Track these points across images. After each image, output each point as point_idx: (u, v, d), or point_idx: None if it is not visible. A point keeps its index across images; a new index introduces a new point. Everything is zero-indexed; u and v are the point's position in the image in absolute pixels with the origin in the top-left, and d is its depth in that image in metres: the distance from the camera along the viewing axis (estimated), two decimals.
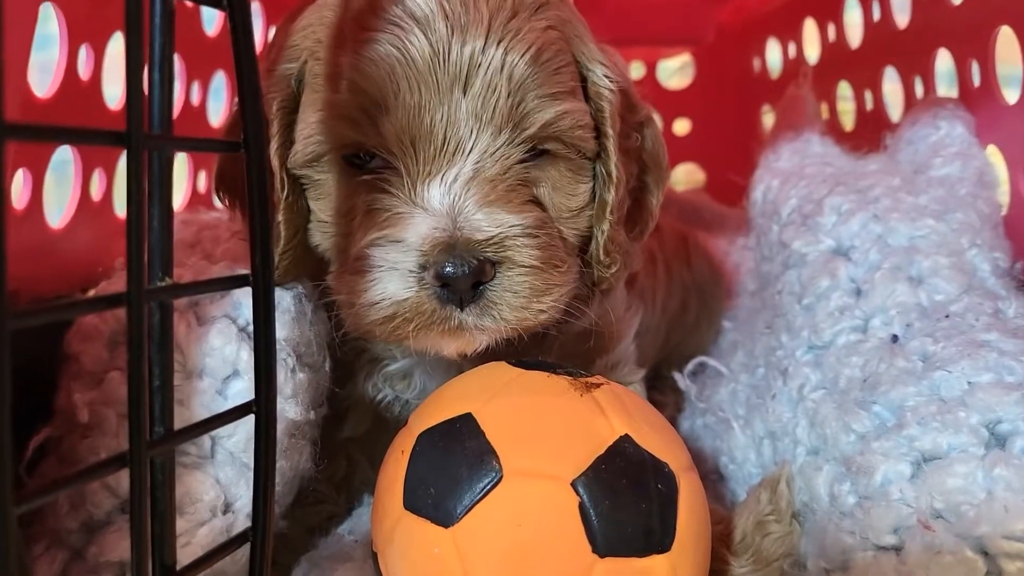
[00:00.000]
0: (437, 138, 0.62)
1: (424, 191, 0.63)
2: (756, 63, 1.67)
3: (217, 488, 0.62)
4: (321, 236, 0.69)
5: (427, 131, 0.62)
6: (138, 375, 0.41)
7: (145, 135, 0.41)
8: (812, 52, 1.42)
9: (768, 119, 1.65)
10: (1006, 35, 0.85)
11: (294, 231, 0.69)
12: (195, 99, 1.08)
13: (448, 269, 0.60)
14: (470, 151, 0.63)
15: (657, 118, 1.74)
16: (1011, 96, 0.86)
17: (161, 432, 0.46)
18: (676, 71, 1.85)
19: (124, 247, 0.45)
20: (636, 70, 1.76)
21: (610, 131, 0.68)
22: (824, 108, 1.33)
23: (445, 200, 0.62)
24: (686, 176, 1.86)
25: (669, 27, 1.42)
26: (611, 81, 0.69)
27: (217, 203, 1.13)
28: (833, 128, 1.28)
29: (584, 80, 0.69)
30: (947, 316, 0.71)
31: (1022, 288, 0.78)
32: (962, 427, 0.62)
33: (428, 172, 0.63)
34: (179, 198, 1.10)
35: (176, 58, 0.48)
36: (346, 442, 0.81)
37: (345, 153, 0.66)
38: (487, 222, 0.62)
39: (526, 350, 0.76)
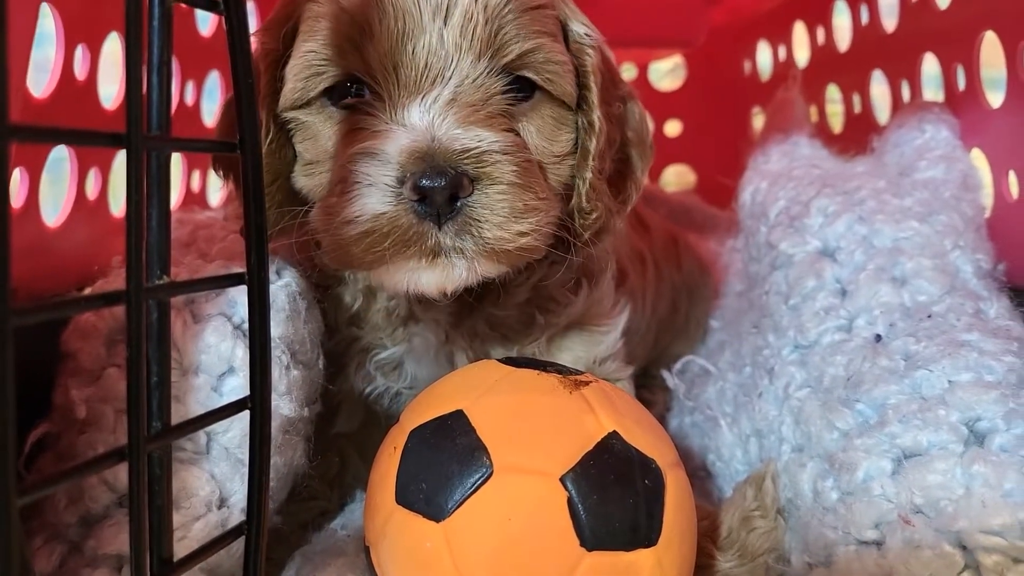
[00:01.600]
0: (419, 64, 0.64)
1: (404, 112, 0.64)
2: (747, 65, 1.68)
3: (212, 483, 0.63)
4: (306, 178, 0.71)
5: (409, 58, 0.64)
6: (137, 371, 0.42)
7: (144, 136, 0.42)
8: (802, 55, 1.43)
9: (758, 121, 1.67)
10: (990, 40, 0.87)
11: (273, 177, 0.70)
12: (190, 99, 1.09)
13: (425, 180, 0.60)
14: (450, 77, 0.65)
15: (648, 120, 1.77)
16: (995, 100, 0.87)
17: (159, 427, 0.47)
18: (667, 73, 1.87)
19: (120, 245, 0.46)
20: (628, 71, 1.78)
21: (592, 84, 0.70)
22: (813, 111, 1.35)
23: (424, 118, 0.64)
24: (677, 178, 1.88)
25: (661, 29, 1.43)
26: (591, 38, 0.71)
27: (212, 202, 1.15)
28: (822, 130, 1.30)
29: (566, 36, 0.71)
30: (929, 316, 0.73)
31: (1004, 289, 0.79)
32: (942, 425, 0.63)
33: (409, 95, 0.65)
34: (174, 197, 1.10)
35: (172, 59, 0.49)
36: (338, 438, 0.82)
37: (333, 86, 0.68)
38: (466, 136, 0.62)
39: (515, 336, 0.77)
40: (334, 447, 0.82)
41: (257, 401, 0.55)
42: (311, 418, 0.72)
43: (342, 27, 0.65)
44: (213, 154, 0.76)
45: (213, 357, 0.64)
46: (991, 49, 0.88)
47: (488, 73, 0.66)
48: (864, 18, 1.17)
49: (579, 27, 0.72)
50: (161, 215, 0.46)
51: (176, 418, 0.50)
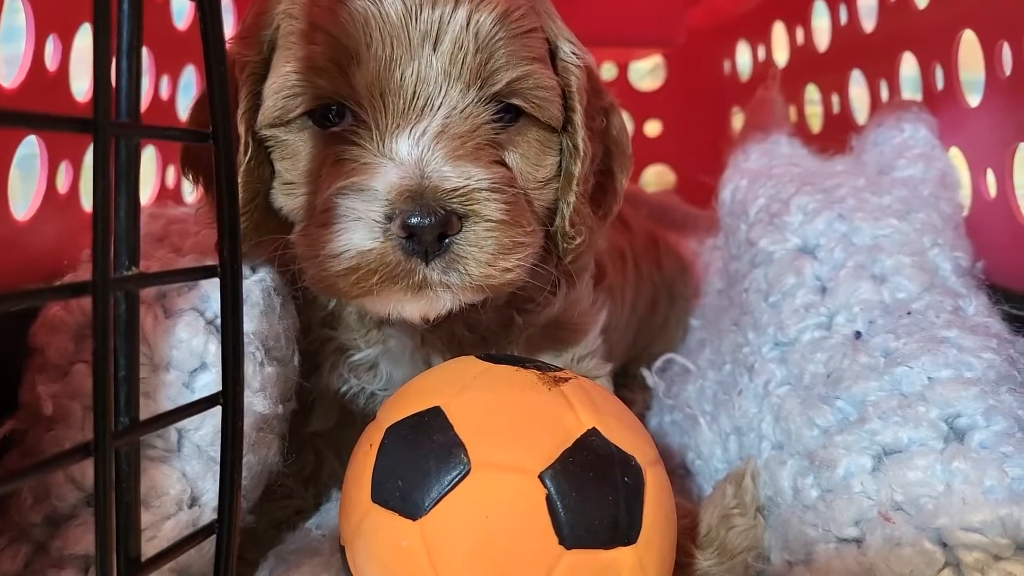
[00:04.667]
0: (407, 92, 0.63)
1: (392, 143, 0.63)
2: (726, 65, 1.69)
3: (183, 482, 0.62)
4: (286, 197, 0.69)
5: (397, 85, 0.63)
6: (103, 365, 0.41)
7: (112, 123, 0.41)
8: (781, 55, 1.44)
9: (738, 121, 1.67)
10: (969, 40, 0.87)
11: (251, 195, 0.69)
12: (164, 93, 1.08)
13: (414, 219, 0.60)
14: (439, 107, 0.63)
15: (628, 120, 1.77)
16: (973, 100, 0.88)
17: (127, 423, 0.45)
18: (648, 73, 1.87)
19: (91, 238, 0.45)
20: (608, 71, 1.77)
21: (577, 105, 0.69)
22: (792, 111, 1.35)
23: (413, 152, 0.62)
24: (657, 177, 1.88)
25: (640, 28, 1.43)
26: (578, 58, 0.70)
27: (186, 198, 1.13)
28: (801, 130, 1.30)
29: (553, 56, 0.70)
30: (909, 313, 0.73)
31: (982, 287, 0.79)
32: (922, 421, 0.63)
33: (397, 125, 0.63)
34: (148, 192, 1.09)
35: (145, 51, 0.48)
36: (313, 436, 0.81)
37: (315, 108, 0.66)
38: (455, 174, 0.62)
39: (494, 340, 0.76)
40: (309, 445, 0.81)
41: (229, 397, 0.54)
42: (285, 416, 0.71)
43: (325, 49, 0.63)
44: (182, 156, 0.74)
45: (184, 353, 0.63)
46: (968, 49, 0.88)
47: (477, 102, 0.64)
48: (843, 18, 1.18)
49: (567, 46, 0.70)
50: (130, 205, 0.45)
51: (146, 415, 0.48)
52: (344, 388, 0.79)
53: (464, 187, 0.61)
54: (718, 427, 0.85)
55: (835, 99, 1.23)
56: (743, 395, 0.81)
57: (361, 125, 0.64)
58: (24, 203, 0.79)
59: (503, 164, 0.67)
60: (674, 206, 1.65)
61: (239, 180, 0.66)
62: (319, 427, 0.80)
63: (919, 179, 0.87)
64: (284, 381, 0.70)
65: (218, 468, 0.62)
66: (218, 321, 0.65)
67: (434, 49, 0.62)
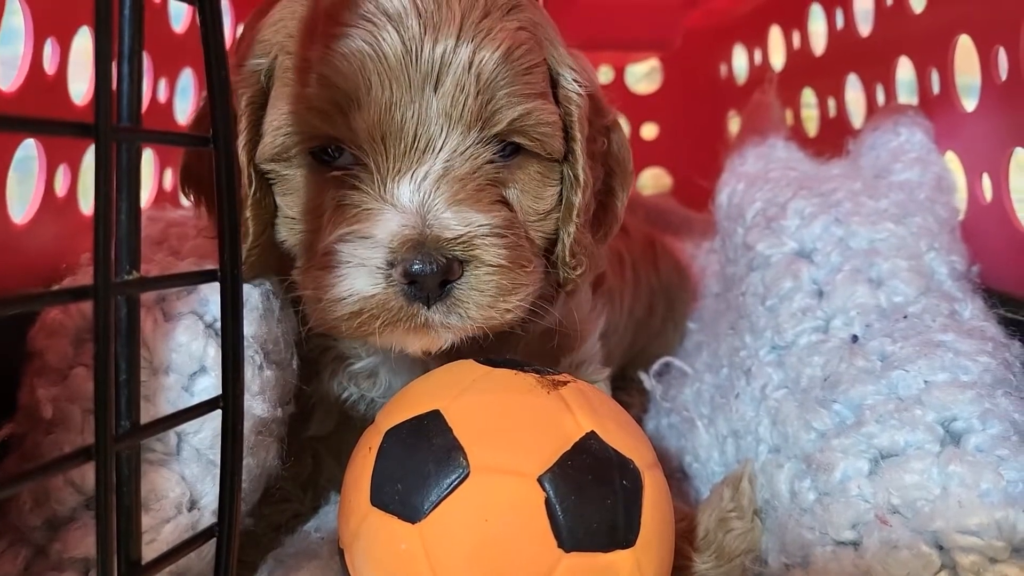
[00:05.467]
0: (408, 135, 0.63)
1: (394, 188, 0.63)
2: (723, 69, 1.69)
3: (183, 485, 0.62)
4: (288, 232, 0.69)
5: (398, 128, 0.62)
6: (104, 369, 0.41)
7: (113, 127, 0.41)
8: (777, 59, 1.44)
9: (734, 124, 1.67)
10: (965, 44, 0.87)
11: (262, 227, 0.69)
12: (162, 96, 1.08)
13: (416, 267, 0.60)
14: (440, 149, 0.63)
15: (625, 122, 1.77)
16: (969, 104, 0.88)
17: (127, 426, 0.45)
18: (644, 76, 1.87)
19: (89, 243, 0.45)
20: (604, 74, 1.78)
21: (578, 135, 0.69)
22: (789, 114, 1.36)
23: (415, 198, 0.63)
24: (653, 180, 1.88)
25: (637, 32, 1.43)
26: (580, 86, 0.70)
27: (184, 201, 1.13)
28: (797, 134, 1.31)
29: (554, 84, 0.69)
30: (905, 317, 0.73)
31: (978, 291, 0.80)
32: (918, 425, 0.63)
33: (398, 169, 0.63)
34: (145, 195, 1.09)
35: (144, 55, 0.48)
36: (312, 440, 0.81)
37: (314, 147, 0.66)
38: (456, 221, 0.62)
39: (492, 348, 0.76)
40: (308, 449, 0.81)
41: (229, 400, 0.54)
42: (284, 419, 0.71)
43: (323, 91, 0.63)
44: (182, 174, 0.74)
45: (184, 356, 0.63)
46: (964, 54, 0.89)
47: (478, 143, 0.64)
48: (839, 22, 1.18)
49: (568, 74, 0.70)
50: (131, 209, 0.45)
51: (146, 418, 0.48)
52: (344, 395, 0.79)
53: (465, 234, 0.62)
54: (715, 430, 0.85)
55: (831, 103, 1.24)
56: (740, 398, 0.81)
57: (361, 167, 0.65)
58: (22, 206, 0.79)
59: (504, 202, 0.67)
60: (671, 209, 1.65)
61: (248, 213, 0.67)
62: (318, 431, 0.81)
63: (915, 183, 0.88)
64: (283, 385, 0.70)
65: (217, 471, 0.62)
66: (217, 325, 0.66)
67: (435, 90, 0.62)
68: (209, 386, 0.63)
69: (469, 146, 0.64)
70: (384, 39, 0.61)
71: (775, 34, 1.44)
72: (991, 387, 0.65)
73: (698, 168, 1.45)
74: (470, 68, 0.62)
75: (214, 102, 0.51)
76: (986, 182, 0.85)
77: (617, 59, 1.77)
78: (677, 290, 1.17)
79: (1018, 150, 0.80)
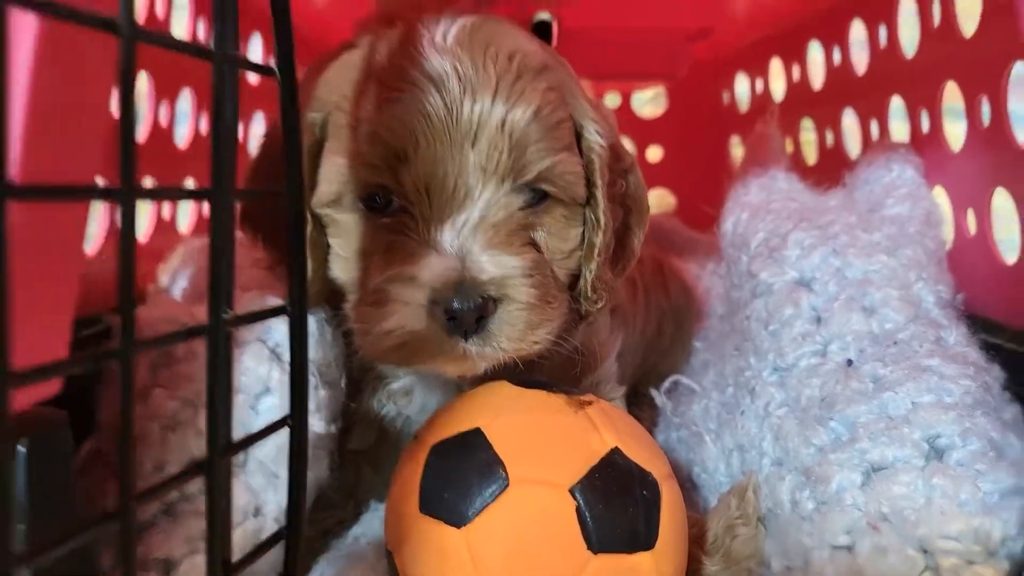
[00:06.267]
0: (449, 187, 0.70)
1: (437, 234, 0.70)
2: (726, 96, 1.77)
3: (249, 494, 0.69)
4: (340, 270, 0.77)
5: (440, 181, 0.70)
6: (216, 396, 0.48)
7: (225, 189, 0.49)
8: (778, 88, 1.52)
9: (736, 148, 1.75)
10: (951, 89, 0.95)
11: (317, 265, 0.76)
12: (163, 120, 1.13)
13: (456, 305, 0.68)
14: (477, 199, 0.71)
15: (631, 144, 1.84)
16: (955, 145, 0.95)
17: (224, 444, 0.53)
18: (649, 100, 1.95)
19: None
20: (611, 100, 1.86)
21: (599, 181, 0.77)
22: (789, 142, 1.43)
23: (455, 243, 0.70)
24: (658, 200, 1.96)
25: (645, 64, 1.52)
26: (602, 137, 0.77)
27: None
28: (797, 161, 1.38)
29: (578, 135, 0.77)
30: (895, 343, 0.80)
31: (962, 317, 0.87)
32: (906, 442, 0.70)
33: (440, 217, 0.71)
34: (186, 221, 1.16)
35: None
36: (353, 453, 0.89)
37: (364, 195, 0.73)
38: (491, 264, 0.69)
39: (520, 370, 0.84)
40: (350, 461, 0.88)
41: (296, 420, 0.62)
42: (335, 434, 0.78)
43: (375, 148, 0.70)
44: (242, 215, 0.81)
45: (251, 378, 0.71)
46: (954, 94, 0.96)
47: (509, 192, 0.72)
48: (836, 59, 1.26)
49: (591, 126, 0.77)
50: (228, 259, 0.53)
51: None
52: (383, 411, 0.86)
53: (499, 276, 0.69)
54: (722, 444, 0.92)
55: (829, 134, 1.31)
56: (745, 415, 0.88)
57: (408, 214, 0.72)
58: (92, 238, 0.87)
59: (533, 243, 0.75)
60: (675, 230, 1.72)
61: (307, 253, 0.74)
62: (359, 445, 0.88)
63: (906, 217, 0.95)
64: (334, 403, 0.78)
65: (278, 481, 0.70)
66: (278, 349, 0.73)
67: (472, 147, 0.69)
68: (272, 405, 0.71)
69: (502, 195, 0.71)
70: (429, 102, 0.69)
71: (776, 65, 1.51)
72: (971, 408, 0.72)
73: (700, 188, 1.53)
74: (503, 127, 0.70)
75: (289, 153, 0.58)
76: (971, 217, 0.92)
77: (624, 85, 1.84)
78: (684, 311, 1.25)
79: (999, 190, 0.87)
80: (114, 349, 0.44)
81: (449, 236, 0.70)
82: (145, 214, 1.00)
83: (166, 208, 1.05)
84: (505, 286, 0.69)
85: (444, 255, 0.70)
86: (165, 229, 1.07)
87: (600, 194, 0.77)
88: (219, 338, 0.49)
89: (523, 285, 0.70)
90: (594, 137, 0.77)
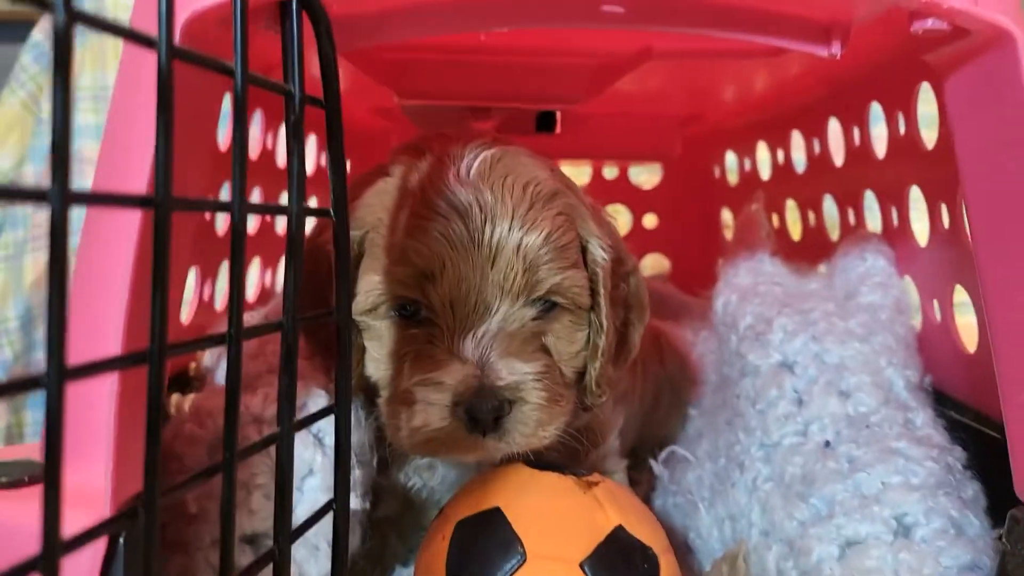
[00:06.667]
0: (471, 303, 0.81)
1: (460, 343, 0.81)
2: (716, 170, 1.88)
3: (295, 566, 0.78)
4: (374, 369, 0.87)
5: (463, 297, 0.80)
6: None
7: (294, 317, 0.58)
8: (764, 169, 1.62)
9: (727, 216, 1.86)
10: (916, 193, 1.05)
11: (355, 364, 0.86)
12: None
13: (476, 407, 0.78)
14: (495, 313, 0.81)
15: (627, 213, 1.94)
16: (922, 240, 1.06)
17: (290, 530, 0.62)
18: (645, 171, 2.06)
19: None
20: (610, 171, 1.97)
21: (602, 290, 0.87)
22: (775, 218, 1.53)
23: (475, 352, 0.80)
24: (654, 262, 2.05)
25: (641, 145, 1.62)
26: (605, 251, 0.88)
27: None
28: (782, 236, 1.48)
29: (584, 250, 0.88)
30: (867, 426, 0.89)
31: (929, 397, 0.97)
32: (876, 519, 0.79)
33: (463, 328, 0.81)
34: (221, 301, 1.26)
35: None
36: (380, 522, 0.97)
37: (396, 305, 0.84)
38: (507, 370, 0.80)
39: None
40: (377, 529, 0.97)
41: (339, 502, 0.71)
42: (366, 508, 0.87)
43: (407, 269, 0.81)
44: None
45: (298, 463, 0.79)
46: (918, 197, 1.06)
47: (523, 305, 0.82)
48: (816, 149, 1.36)
49: (596, 242, 0.88)
50: (292, 375, 0.62)
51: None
52: (408, 483, 0.96)
53: (514, 381, 0.80)
54: (715, 512, 1.01)
55: (811, 215, 1.41)
56: (735, 487, 0.97)
57: (434, 325, 0.83)
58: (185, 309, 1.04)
59: (543, 348, 0.85)
60: (670, 294, 1.81)
61: None
62: (386, 513, 0.97)
63: (878, 304, 1.05)
64: (367, 480, 0.87)
65: (318, 553, 0.79)
66: (320, 435, 0.82)
67: (491, 267, 0.80)
68: (315, 485, 0.79)
69: (517, 309, 0.82)
70: (454, 229, 0.80)
71: (762, 147, 1.62)
72: (934, 488, 0.81)
73: (693, 254, 1.63)
74: (519, 250, 0.80)
75: (339, 277, 0.68)
76: (936, 306, 1.02)
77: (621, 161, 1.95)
78: (680, 379, 1.33)
79: (959, 287, 0.96)
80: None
81: (470, 345, 0.81)
82: (187, 301, 1.10)
83: (206, 289, 1.16)
84: (519, 390, 0.80)
85: (466, 363, 0.80)
86: (205, 308, 1.18)
87: (603, 301, 0.87)
88: (285, 444, 0.58)
89: (535, 388, 0.81)
90: (598, 252, 0.88)
